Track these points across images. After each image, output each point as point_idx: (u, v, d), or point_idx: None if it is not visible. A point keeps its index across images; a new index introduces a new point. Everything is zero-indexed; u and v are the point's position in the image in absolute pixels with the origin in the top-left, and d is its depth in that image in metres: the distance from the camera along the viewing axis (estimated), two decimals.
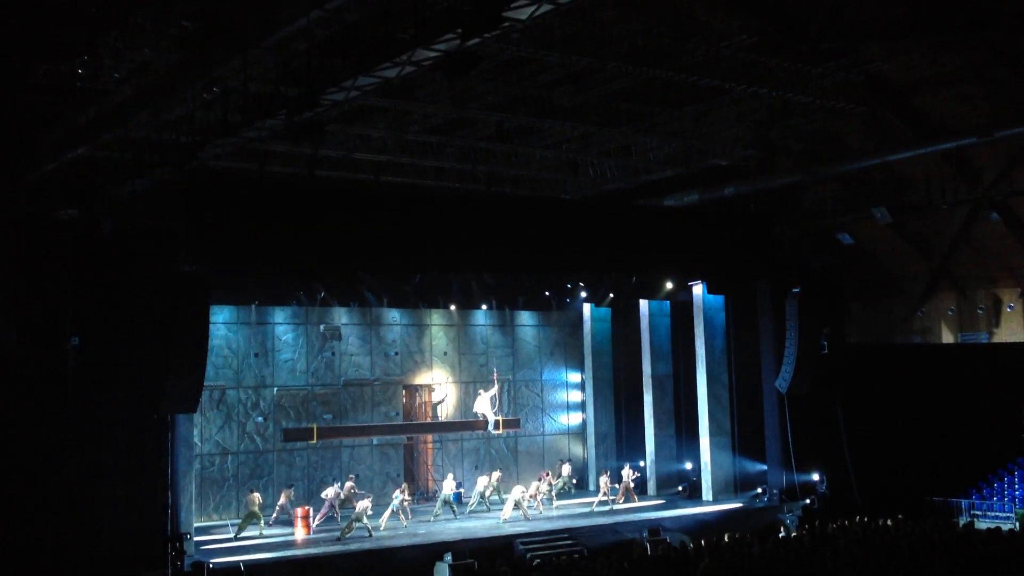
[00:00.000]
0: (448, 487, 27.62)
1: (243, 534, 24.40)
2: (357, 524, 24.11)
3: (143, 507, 21.21)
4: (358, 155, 26.10)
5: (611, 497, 28.46)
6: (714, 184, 29.29)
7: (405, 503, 25.93)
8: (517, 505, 26.25)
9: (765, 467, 29.37)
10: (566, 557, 21.24)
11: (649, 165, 28.24)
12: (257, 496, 25.14)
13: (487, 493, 27.87)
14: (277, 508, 26.13)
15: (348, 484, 26.32)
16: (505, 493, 27.38)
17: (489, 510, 27.46)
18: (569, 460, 31.85)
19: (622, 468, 29.65)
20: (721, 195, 29.40)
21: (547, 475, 28.89)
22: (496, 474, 28.61)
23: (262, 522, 24.80)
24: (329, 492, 25.99)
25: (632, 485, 29.04)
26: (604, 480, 28.85)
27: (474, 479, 28.88)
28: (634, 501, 28.91)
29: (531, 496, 27.20)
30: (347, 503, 25.74)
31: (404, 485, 27.11)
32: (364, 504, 24.30)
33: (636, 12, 20.74)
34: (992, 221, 27.61)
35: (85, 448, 20.71)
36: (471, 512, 27.45)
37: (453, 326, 31.66)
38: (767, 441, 29.40)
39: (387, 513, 25.42)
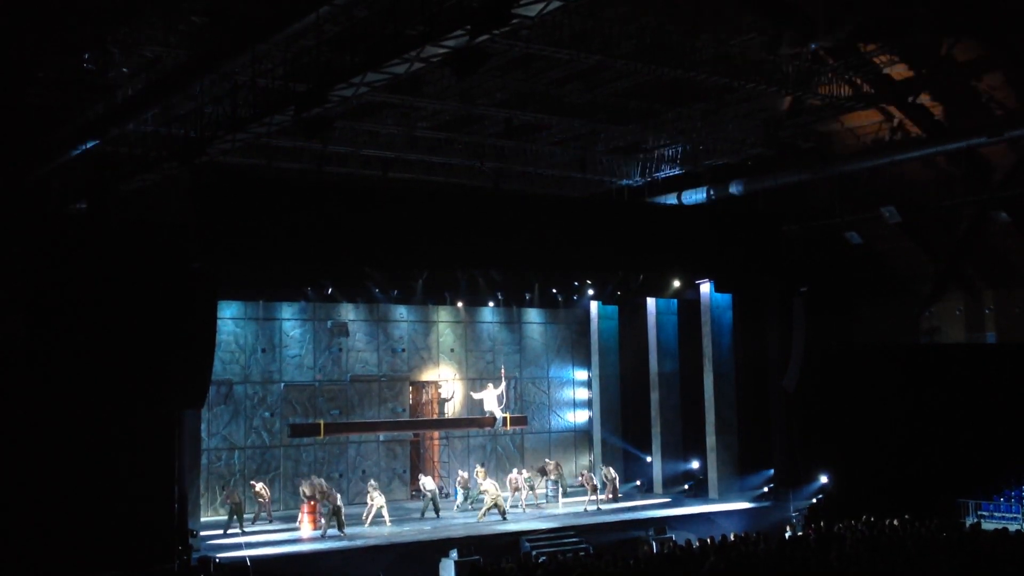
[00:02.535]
0: (431, 484, 27.12)
1: (248, 528, 24.49)
2: (345, 519, 24.05)
3: (150, 502, 21.21)
4: (366, 151, 26.15)
5: (601, 496, 28.28)
6: (722, 182, 29.28)
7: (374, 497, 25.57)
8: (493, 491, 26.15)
9: (771, 466, 29.33)
10: (572, 554, 21.22)
11: (657, 163, 28.26)
12: (236, 494, 25.28)
13: (473, 491, 27.84)
14: (258, 503, 26.07)
15: (318, 480, 25.98)
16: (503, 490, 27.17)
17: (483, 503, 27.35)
18: (548, 459, 31.27)
19: (604, 468, 29.51)
20: (729, 193, 29.37)
21: (520, 473, 28.60)
22: (479, 469, 28.37)
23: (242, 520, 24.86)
24: (305, 488, 25.64)
25: (611, 483, 28.91)
26: (588, 478, 28.70)
27: (472, 477, 28.74)
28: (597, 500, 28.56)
29: (515, 489, 27.28)
30: (325, 498, 25.19)
31: (372, 482, 26.63)
32: (336, 497, 24.27)
33: (645, 9, 20.74)
34: (1001, 221, 27.52)
35: (92, 443, 20.73)
36: (464, 510, 27.37)
37: (460, 323, 31.66)
38: (774, 440, 29.35)
39: (383, 510, 25.25)
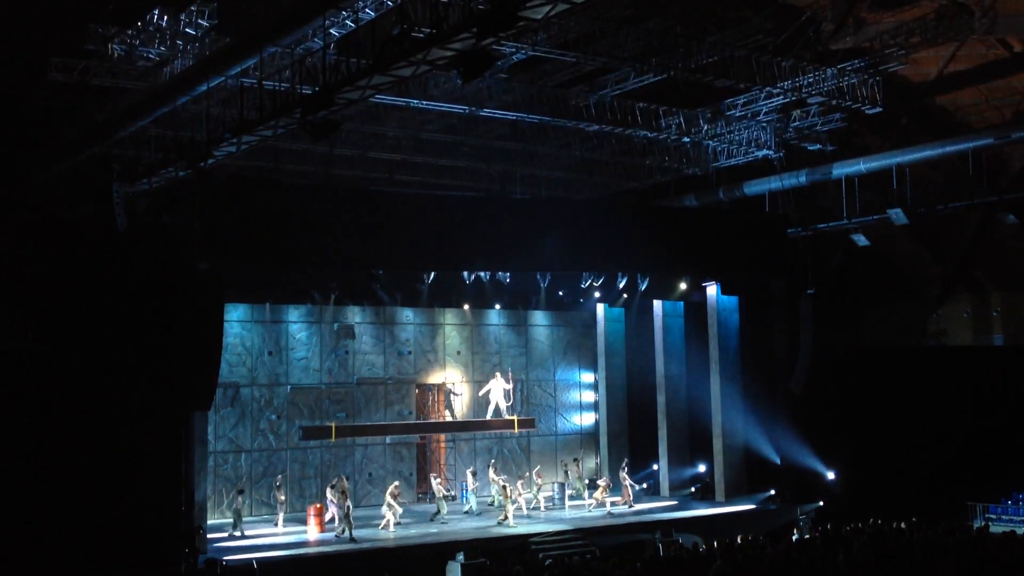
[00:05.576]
0: (438, 488, 27.09)
1: (248, 532, 24.48)
2: (353, 520, 24.07)
3: (157, 504, 21.27)
4: (372, 154, 26.18)
5: (617, 498, 28.25)
6: (729, 184, 29.24)
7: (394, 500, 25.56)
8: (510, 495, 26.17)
9: (778, 468, 29.28)
10: (578, 557, 21.19)
11: (664, 165, 28.22)
12: (240, 498, 25.30)
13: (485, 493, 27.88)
14: (279, 504, 25.99)
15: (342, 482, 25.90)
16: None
17: (493, 505, 27.37)
18: (576, 459, 31.55)
19: (620, 470, 29.46)
20: (736, 196, 29.34)
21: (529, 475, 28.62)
22: (491, 473, 28.40)
23: (241, 523, 24.80)
24: (328, 493, 25.62)
25: (629, 486, 28.88)
26: (604, 483, 28.73)
27: (480, 478, 28.75)
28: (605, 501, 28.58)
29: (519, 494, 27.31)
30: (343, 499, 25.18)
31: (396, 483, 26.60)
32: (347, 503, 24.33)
33: (652, 11, 20.72)
34: (1008, 223, 27.42)
35: (99, 445, 20.77)
36: (474, 513, 27.38)
37: (466, 325, 31.65)
38: (781, 443, 29.31)
39: (391, 513, 25.23)
